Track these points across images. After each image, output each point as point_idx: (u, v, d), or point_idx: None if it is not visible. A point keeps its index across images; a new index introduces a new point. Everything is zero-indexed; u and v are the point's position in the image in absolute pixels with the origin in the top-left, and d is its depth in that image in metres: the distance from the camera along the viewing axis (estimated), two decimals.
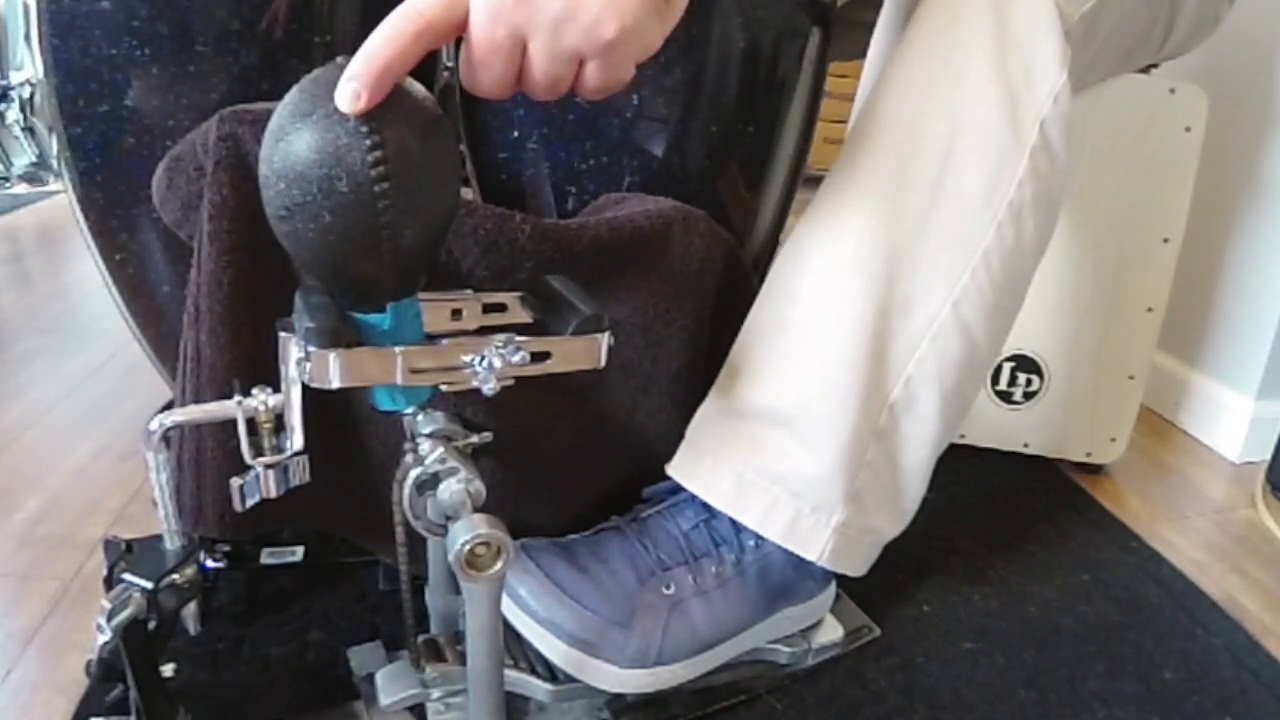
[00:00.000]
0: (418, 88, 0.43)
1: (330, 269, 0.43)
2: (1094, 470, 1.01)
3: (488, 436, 0.56)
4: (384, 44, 0.39)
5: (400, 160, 0.40)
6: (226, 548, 0.72)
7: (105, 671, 0.50)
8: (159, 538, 0.52)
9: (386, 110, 0.40)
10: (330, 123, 0.40)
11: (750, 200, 0.77)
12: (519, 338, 0.49)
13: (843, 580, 0.69)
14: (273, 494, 0.49)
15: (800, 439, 0.62)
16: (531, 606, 0.61)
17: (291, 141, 0.40)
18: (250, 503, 0.49)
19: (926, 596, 0.78)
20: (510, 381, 0.50)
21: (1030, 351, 0.97)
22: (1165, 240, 0.92)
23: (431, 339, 0.48)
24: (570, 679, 0.61)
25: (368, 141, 0.39)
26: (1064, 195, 0.64)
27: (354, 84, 0.39)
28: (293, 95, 0.41)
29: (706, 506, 0.64)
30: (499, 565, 0.50)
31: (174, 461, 0.61)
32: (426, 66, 0.72)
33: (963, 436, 1.00)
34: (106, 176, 0.65)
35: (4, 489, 0.89)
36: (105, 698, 0.54)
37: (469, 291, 0.53)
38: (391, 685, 0.59)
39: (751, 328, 0.65)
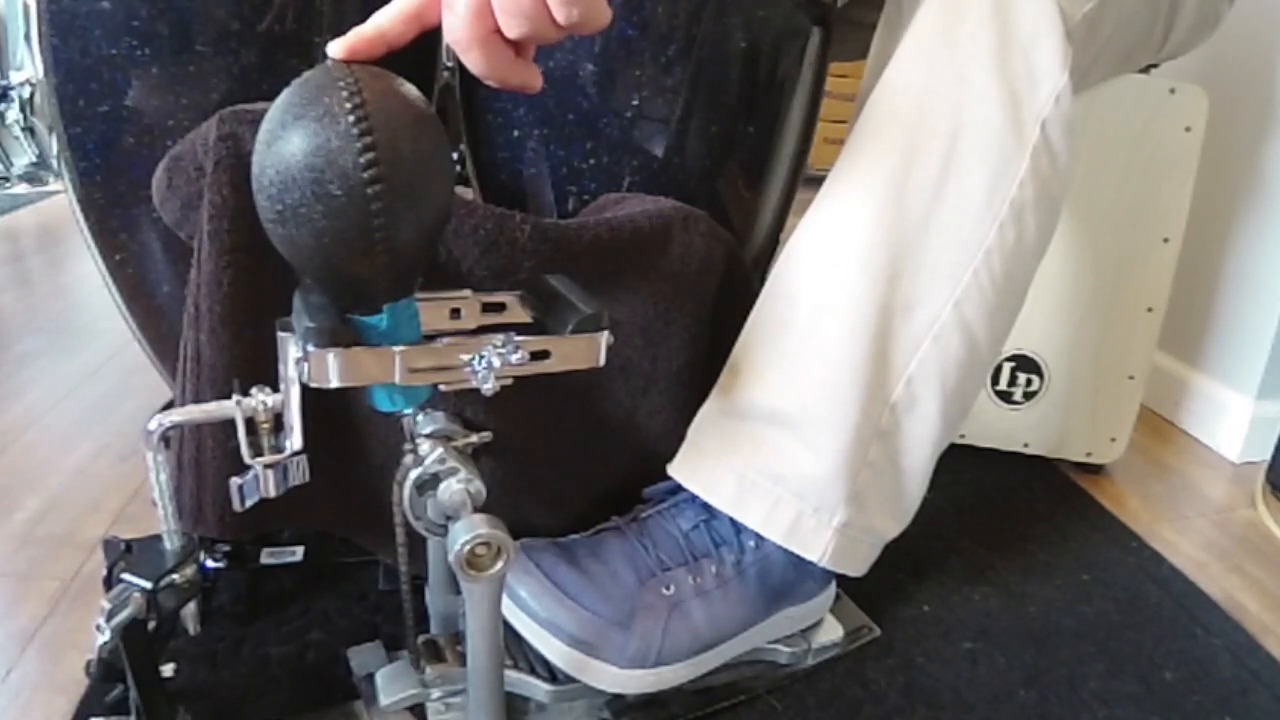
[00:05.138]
0: (409, 88, 0.43)
1: (325, 272, 0.43)
2: (1094, 470, 1.01)
3: (488, 436, 0.56)
4: (381, 12, 0.44)
5: (392, 162, 0.40)
6: (226, 548, 0.72)
7: (105, 671, 0.50)
8: (159, 538, 0.52)
9: (378, 112, 0.40)
10: (321, 126, 0.39)
11: (750, 200, 0.77)
12: (518, 337, 0.49)
13: (843, 580, 0.69)
14: (272, 494, 0.49)
15: (802, 439, 0.62)
16: (531, 607, 0.61)
17: (283, 145, 0.40)
18: (250, 503, 0.49)
19: (926, 596, 0.78)
20: (509, 381, 0.50)
21: (1030, 351, 0.97)
22: (1165, 240, 0.92)
23: (430, 338, 0.48)
24: (570, 679, 0.61)
25: (359, 144, 0.39)
26: (1065, 195, 0.64)
27: (348, 36, 0.43)
28: (283, 99, 0.41)
29: (706, 507, 0.64)
30: (499, 565, 0.50)
31: (174, 461, 0.61)
32: (426, 67, 0.72)
33: (963, 436, 1.00)
34: (106, 176, 0.65)
35: (4, 489, 0.89)
36: (105, 698, 0.54)
37: (468, 291, 0.53)
38: (391, 685, 0.59)
39: (753, 328, 0.65)
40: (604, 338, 0.51)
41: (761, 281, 0.66)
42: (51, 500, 0.87)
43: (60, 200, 1.96)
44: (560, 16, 0.43)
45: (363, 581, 0.74)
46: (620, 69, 0.67)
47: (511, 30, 0.44)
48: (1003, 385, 0.98)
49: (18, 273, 1.59)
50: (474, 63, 0.45)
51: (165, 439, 0.49)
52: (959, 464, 0.96)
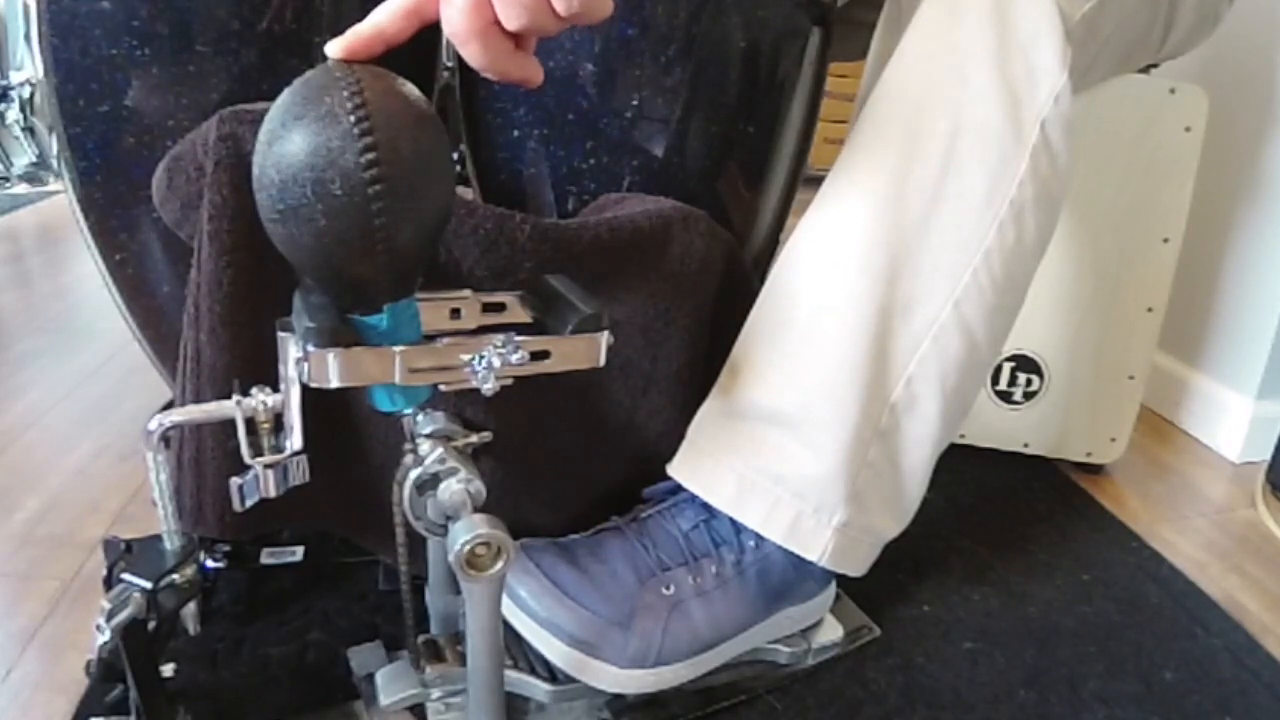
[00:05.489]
0: (410, 88, 0.43)
1: (326, 271, 0.43)
2: (1094, 470, 1.01)
3: (488, 436, 0.56)
4: (379, 10, 0.44)
5: (393, 161, 0.40)
6: (226, 548, 0.72)
7: (105, 671, 0.50)
8: (159, 538, 0.52)
9: (379, 112, 0.40)
10: (323, 125, 0.39)
11: (750, 200, 0.77)
12: (518, 337, 0.49)
13: (843, 580, 0.69)
14: (272, 494, 0.49)
15: (802, 439, 0.62)
16: (531, 607, 0.61)
17: (284, 144, 0.40)
18: (250, 503, 0.49)
19: (926, 596, 0.78)
20: (509, 381, 0.50)
21: (1030, 351, 0.97)
22: (1165, 240, 0.92)
23: (430, 338, 0.48)
24: (570, 679, 0.61)
25: (360, 144, 0.39)
26: (1065, 195, 0.64)
27: (345, 36, 0.42)
28: (284, 98, 0.41)
29: (706, 507, 0.64)
30: (499, 565, 0.50)
31: (174, 461, 0.61)
32: (426, 66, 0.72)
33: (963, 436, 1.00)
34: (106, 176, 0.65)
35: (4, 489, 0.89)
36: (105, 698, 0.54)
37: (468, 291, 0.53)
38: (391, 685, 0.59)
39: (753, 328, 0.65)
40: (604, 338, 0.51)
41: (761, 281, 0.66)
42: (51, 500, 0.87)
43: (60, 200, 1.96)
44: (561, 8, 0.43)
45: (363, 581, 0.74)
46: (620, 69, 0.67)
47: (511, 22, 0.43)
48: (1003, 385, 0.98)
49: (18, 273, 1.59)
50: (473, 56, 0.45)
51: (165, 439, 0.49)
52: (959, 464, 0.96)
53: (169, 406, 0.57)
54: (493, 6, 0.43)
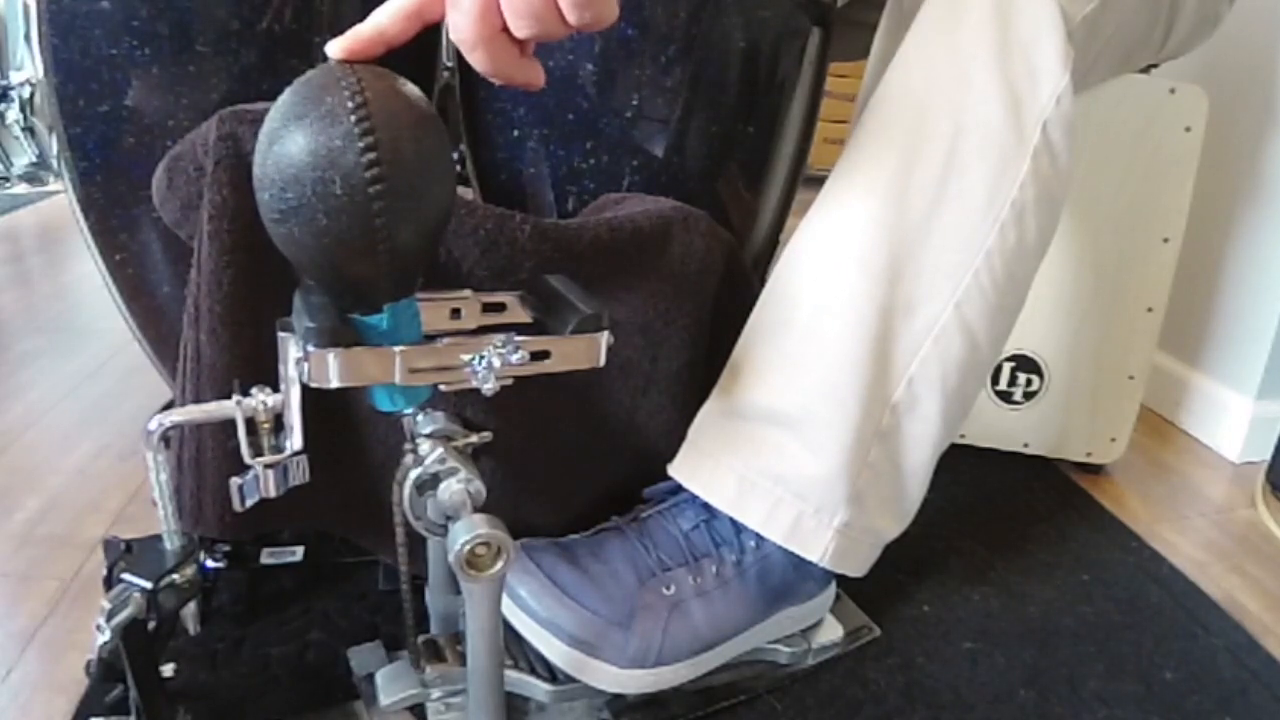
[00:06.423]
0: (411, 88, 0.43)
1: (326, 271, 0.43)
2: (1094, 470, 1.01)
3: (488, 436, 0.56)
4: (380, 11, 0.44)
5: (394, 161, 0.40)
6: (226, 548, 0.72)
7: (105, 671, 0.50)
8: (159, 538, 0.52)
9: (380, 112, 0.40)
10: (323, 125, 0.39)
11: (750, 200, 0.77)
12: (518, 337, 0.49)
13: (843, 580, 0.69)
14: (272, 494, 0.49)
15: (803, 440, 0.62)
16: (531, 607, 0.61)
17: (285, 144, 0.40)
18: (250, 503, 0.49)
19: (926, 596, 0.78)
20: (509, 381, 0.50)
21: (1030, 351, 0.97)
22: (1165, 240, 0.92)
23: (430, 338, 0.48)
24: (570, 679, 0.61)
25: (361, 144, 0.39)
26: (1066, 196, 0.64)
27: (346, 37, 0.42)
28: (285, 98, 0.41)
29: (707, 507, 0.64)
30: (499, 565, 0.50)
31: (174, 461, 0.61)
32: (426, 66, 0.72)
33: (963, 436, 1.00)
34: (106, 176, 0.65)
35: (4, 489, 0.89)
36: (105, 698, 0.54)
37: (468, 291, 0.53)
38: (391, 685, 0.59)
39: (754, 328, 0.65)
40: (604, 338, 0.51)
41: (761, 281, 0.66)
42: (51, 500, 0.87)
43: (60, 200, 1.96)
44: (573, 18, 0.43)
45: (363, 581, 0.74)
46: (620, 69, 0.67)
47: (520, 30, 0.43)
48: (1003, 385, 0.98)
49: (18, 273, 1.59)
50: (479, 61, 0.45)
51: (165, 439, 0.49)
52: (959, 464, 0.96)
53: (169, 406, 0.57)
54: (501, 14, 0.43)
